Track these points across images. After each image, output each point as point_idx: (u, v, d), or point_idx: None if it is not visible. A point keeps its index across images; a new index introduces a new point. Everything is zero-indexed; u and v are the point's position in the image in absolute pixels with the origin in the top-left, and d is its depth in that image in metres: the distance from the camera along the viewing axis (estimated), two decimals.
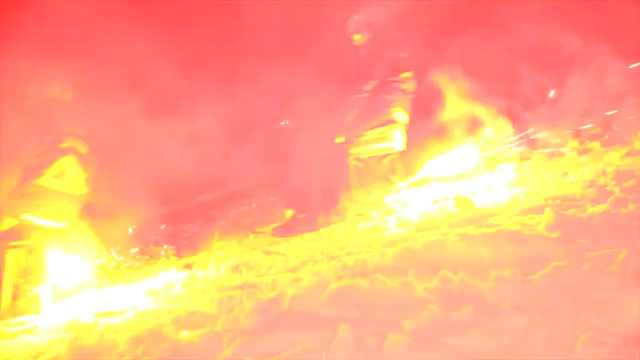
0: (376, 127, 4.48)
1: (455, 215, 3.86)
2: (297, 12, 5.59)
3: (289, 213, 4.40)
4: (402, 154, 4.68)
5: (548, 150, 5.23)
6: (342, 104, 4.46)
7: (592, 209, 3.32)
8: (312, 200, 4.30)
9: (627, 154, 4.57)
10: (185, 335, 2.66)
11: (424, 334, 2.28)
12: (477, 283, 2.59)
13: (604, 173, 4.08)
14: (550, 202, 3.59)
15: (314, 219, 4.22)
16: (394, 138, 4.54)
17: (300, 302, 2.73)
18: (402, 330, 2.33)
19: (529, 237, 3.06)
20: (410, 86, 4.61)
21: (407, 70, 4.57)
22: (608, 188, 3.69)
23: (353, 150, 4.43)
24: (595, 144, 5.14)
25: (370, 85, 4.43)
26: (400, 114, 4.53)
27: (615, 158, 4.52)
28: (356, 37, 4.57)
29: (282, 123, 5.56)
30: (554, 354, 2.06)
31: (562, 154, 4.97)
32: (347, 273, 3.09)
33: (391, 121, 4.51)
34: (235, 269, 3.72)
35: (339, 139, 4.32)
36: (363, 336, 2.32)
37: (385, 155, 4.62)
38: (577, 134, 5.52)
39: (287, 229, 4.28)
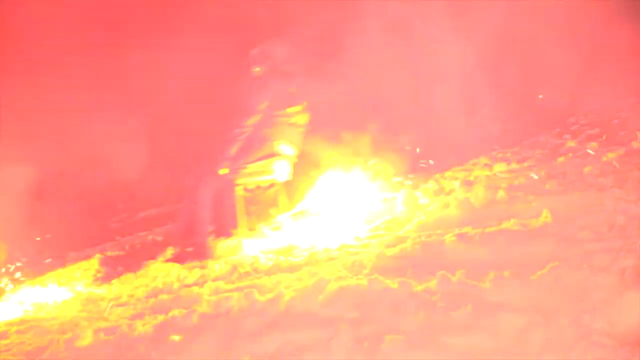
0: (258, 160, 4.52)
1: (453, 215, 3.86)
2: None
3: (176, 248, 4.47)
4: (288, 184, 4.74)
5: (546, 151, 5.24)
6: (225, 137, 4.49)
7: (590, 209, 3.32)
8: (200, 231, 4.35)
9: (625, 154, 4.57)
10: (183, 336, 2.66)
11: (423, 334, 2.29)
12: (476, 283, 2.59)
13: (602, 173, 4.09)
14: (548, 202, 3.59)
15: (204, 248, 4.26)
16: (277, 170, 4.60)
17: (298, 303, 2.73)
18: (400, 330, 2.33)
19: (528, 237, 3.06)
20: (300, 119, 4.63)
21: (295, 104, 4.58)
22: (606, 188, 3.69)
23: (240, 181, 4.48)
24: (594, 145, 5.15)
25: (252, 120, 4.45)
26: (286, 147, 4.57)
27: (613, 158, 4.52)
28: (256, 69, 4.59)
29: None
30: (553, 354, 2.07)
31: (560, 155, 4.98)
32: (346, 273, 3.10)
33: (273, 154, 4.54)
34: (234, 269, 3.72)
35: (223, 170, 4.37)
36: (362, 336, 2.31)
37: (270, 186, 4.67)
38: (575, 135, 5.53)
39: (180, 260, 4.31)
